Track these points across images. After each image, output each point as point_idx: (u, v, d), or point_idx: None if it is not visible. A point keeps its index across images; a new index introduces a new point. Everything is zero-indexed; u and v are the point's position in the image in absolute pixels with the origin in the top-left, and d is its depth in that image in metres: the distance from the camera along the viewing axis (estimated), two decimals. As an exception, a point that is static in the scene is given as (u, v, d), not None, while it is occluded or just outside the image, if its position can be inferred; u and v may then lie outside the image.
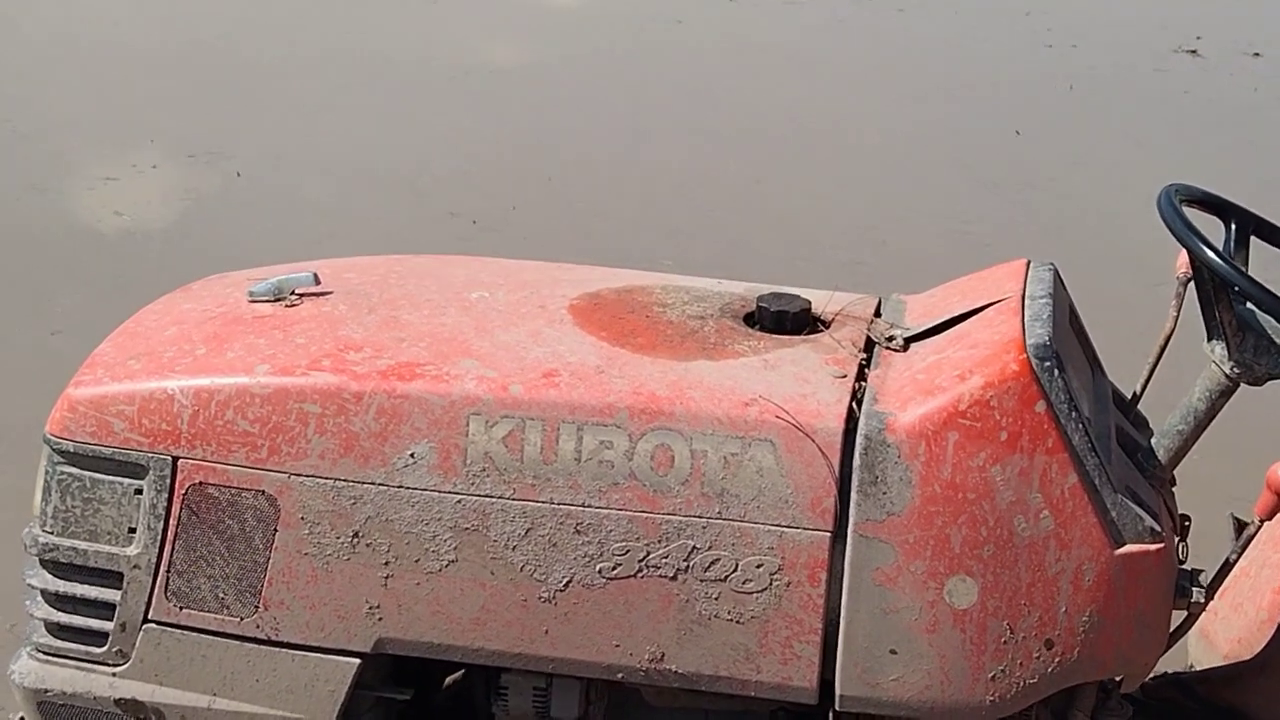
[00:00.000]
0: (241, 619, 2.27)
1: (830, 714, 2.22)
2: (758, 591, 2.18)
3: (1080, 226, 6.57)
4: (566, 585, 2.21)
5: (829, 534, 2.15)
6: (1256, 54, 9.29)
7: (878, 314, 2.53)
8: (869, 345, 2.39)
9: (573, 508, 2.20)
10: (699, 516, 2.18)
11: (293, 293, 2.52)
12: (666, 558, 2.19)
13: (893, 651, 2.16)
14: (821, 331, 2.44)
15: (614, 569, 2.20)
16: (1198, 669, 2.71)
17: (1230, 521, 2.89)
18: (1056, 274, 2.44)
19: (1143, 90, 8.72)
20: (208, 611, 2.28)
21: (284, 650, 2.28)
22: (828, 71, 8.91)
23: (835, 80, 8.76)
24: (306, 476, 2.23)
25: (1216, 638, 2.78)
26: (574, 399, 2.22)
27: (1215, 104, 8.52)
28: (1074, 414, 2.14)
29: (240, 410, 2.25)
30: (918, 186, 7.26)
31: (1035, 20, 9.96)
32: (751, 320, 2.47)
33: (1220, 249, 2.29)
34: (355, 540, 2.23)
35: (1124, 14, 10.19)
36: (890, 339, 2.40)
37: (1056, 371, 2.15)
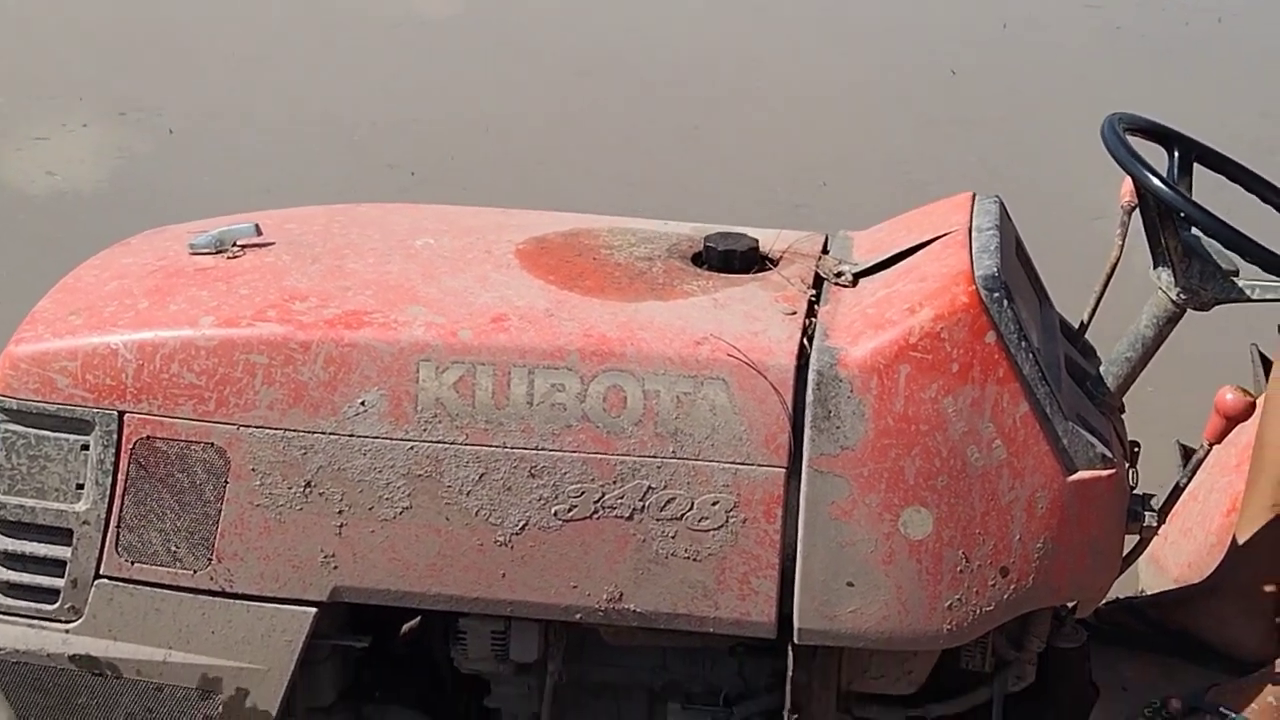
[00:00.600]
0: (195, 572, 2.26)
1: (789, 648, 2.23)
2: (714, 529, 2.18)
3: (1019, 163, 6.60)
4: (522, 529, 2.20)
5: (784, 470, 2.16)
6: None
7: (825, 251, 2.53)
8: (818, 282, 2.39)
9: (526, 451, 2.19)
10: (653, 456, 2.18)
11: (234, 244, 2.49)
12: (622, 498, 2.19)
13: (850, 584, 2.17)
14: (770, 270, 2.44)
15: (569, 511, 2.20)
16: (1148, 594, 2.75)
17: (1177, 449, 2.93)
18: (1002, 206, 2.45)
19: (1075, 26, 8.74)
20: (160, 565, 2.26)
21: (239, 601, 2.26)
22: (763, 15, 8.87)
23: (771, 23, 8.73)
24: (256, 428, 2.21)
25: (1167, 563, 2.82)
26: (524, 343, 2.21)
27: (1148, 39, 8.56)
28: (1024, 344, 2.15)
29: (186, 363, 2.23)
30: (856, 128, 7.26)
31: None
32: (699, 260, 2.47)
33: (1165, 176, 2.30)
34: (308, 490, 2.22)
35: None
36: (839, 275, 2.40)
37: (1005, 302, 2.16)
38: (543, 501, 2.19)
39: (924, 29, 8.81)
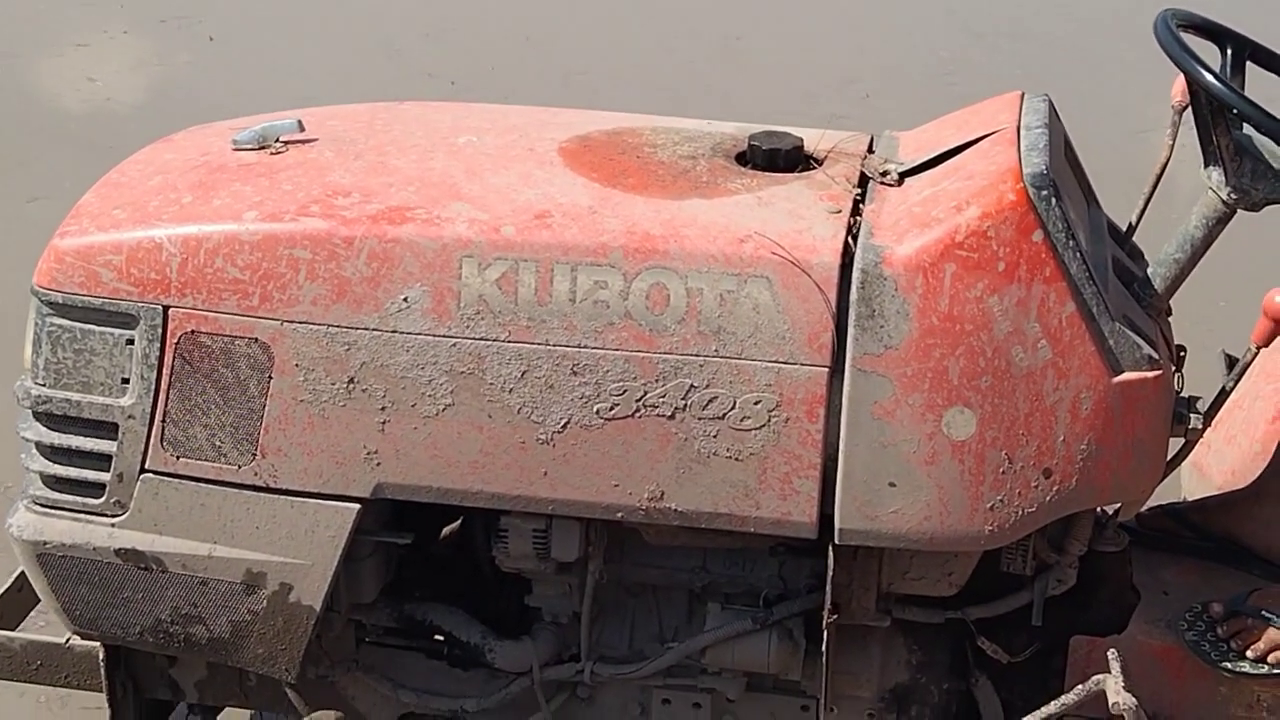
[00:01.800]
0: (239, 467, 2.27)
1: (830, 548, 2.23)
2: (756, 428, 2.17)
3: (1067, 77, 6.51)
4: (564, 426, 2.20)
5: (827, 369, 2.15)
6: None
7: (871, 150, 2.51)
8: (863, 181, 2.37)
9: (569, 349, 2.18)
10: (696, 355, 2.17)
11: (278, 140, 2.48)
12: (664, 397, 2.18)
13: (891, 484, 2.16)
14: (815, 169, 2.41)
15: (611, 409, 2.19)
16: (1192, 500, 2.73)
17: (1222, 358, 2.90)
18: (1051, 105, 2.41)
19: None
20: (205, 460, 2.28)
21: (283, 497, 2.27)
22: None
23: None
24: (299, 323, 2.21)
25: (1210, 470, 2.80)
26: (567, 239, 2.20)
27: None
28: (1071, 243, 2.13)
29: (230, 257, 2.23)
30: (900, 38, 7.19)
31: None
32: (743, 159, 2.44)
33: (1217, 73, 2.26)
34: (351, 386, 2.22)
35: None
36: (885, 174, 2.37)
37: (1054, 201, 2.13)
38: (584, 400, 2.19)
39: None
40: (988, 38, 7.15)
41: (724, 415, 2.18)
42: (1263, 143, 2.19)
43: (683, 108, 6.05)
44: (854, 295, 2.14)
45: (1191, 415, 2.25)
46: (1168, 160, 2.45)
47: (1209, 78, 2.13)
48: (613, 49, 6.99)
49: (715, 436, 2.18)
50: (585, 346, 2.18)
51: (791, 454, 2.18)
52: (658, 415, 2.19)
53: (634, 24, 7.30)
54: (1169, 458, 2.30)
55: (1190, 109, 2.24)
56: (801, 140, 2.46)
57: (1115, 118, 5.88)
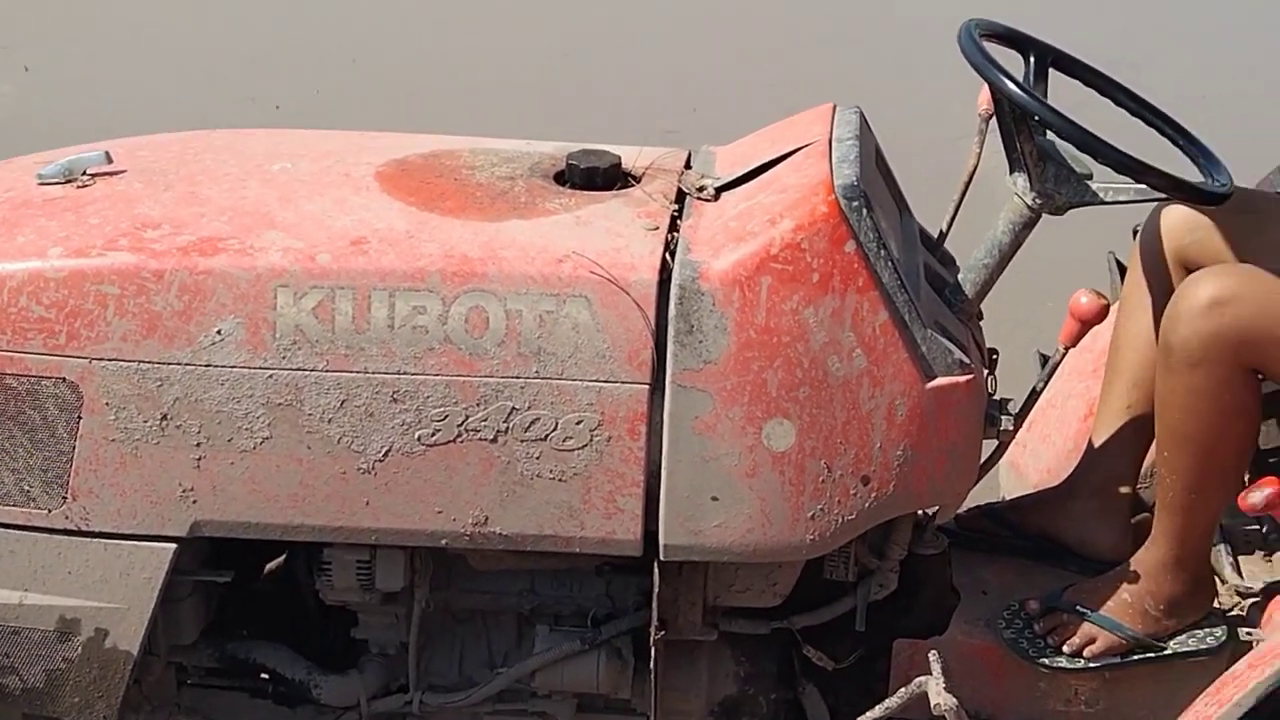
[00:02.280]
0: (49, 511, 2.21)
1: (655, 565, 2.23)
2: (579, 448, 2.17)
3: (887, 83, 6.63)
4: (385, 455, 2.18)
5: (647, 386, 2.16)
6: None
7: (688, 166, 2.52)
8: (680, 197, 2.38)
9: (388, 376, 2.16)
10: (517, 377, 2.16)
11: (84, 173, 2.42)
12: (486, 420, 2.17)
13: (714, 498, 2.17)
14: (633, 186, 2.42)
15: (433, 435, 2.18)
16: (1008, 499, 2.79)
17: (1036, 358, 2.97)
18: (862, 117, 2.45)
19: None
20: (13, 505, 2.22)
21: (96, 540, 2.22)
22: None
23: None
24: (109, 360, 2.17)
25: (1026, 469, 2.86)
26: (384, 265, 2.18)
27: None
28: (883, 253, 2.16)
29: (34, 295, 2.17)
30: (726, 50, 7.25)
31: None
32: (562, 179, 2.45)
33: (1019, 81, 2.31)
34: (164, 423, 2.18)
35: None
36: (701, 189, 2.39)
37: (865, 211, 2.16)
38: (405, 426, 2.17)
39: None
40: (809, 47, 7.24)
41: (546, 436, 2.17)
42: (1065, 148, 2.24)
43: (511, 126, 5.99)
44: (672, 311, 2.15)
45: (1003, 417, 2.30)
46: (975, 167, 2.50)
47: (1010, 86, 2.17)
48: (440, 69, 6.95)
49: (538, 458, 2.18)
50: (405, 373, 2.16)
51: (615, 472, 2.18)
52: (480, 439, 2.18)
53: (461, 44, 7.27)
54: (983, 459, 2.34)
55: (995, 115, 2.28)
56: (619, 158, 2.46)
57: (931, 124, 5.99)
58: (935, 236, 2.56)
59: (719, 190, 2.38)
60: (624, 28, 7.49)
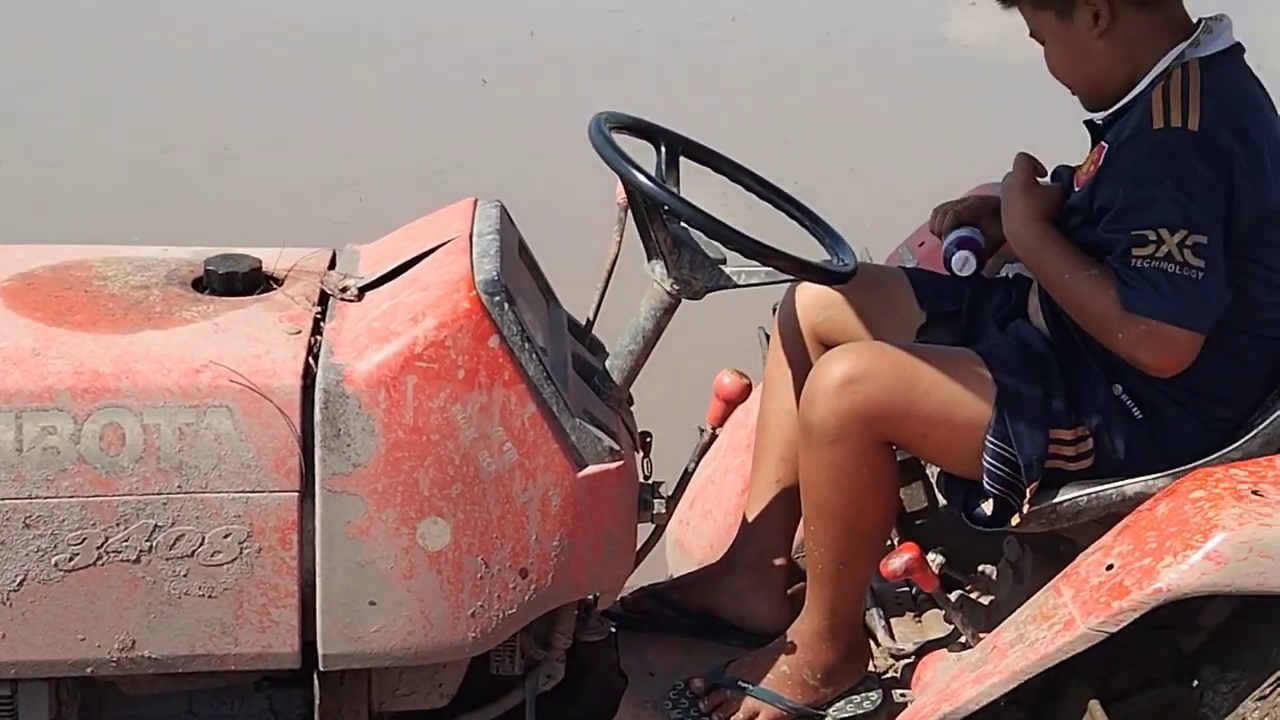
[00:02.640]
0: None
1: (315, 675, 2.18)
2: (228, 562, 2.11)
3: (546, 168, 6.70)
4: (21, 584, 2.08)
5: (297, 493, 2.12)
6: (702, -6, 9.74)
7: (332, 266, 2.49)
8: (323, 298, 2.35)
9: (19, 501, 2.07)
10: (158, 493, 2.10)
11: None
12: (127, 540, 2.09)
13: (372, 603, 2.14)
14: (274, 290, 2.38)
15: (71, 560, 2.09)
16: (673, 578, 2.83)
17: (699, 433, 3.03)
18: (503, 210, 2.47)
19: (600, 30, 8.97)
20: None
21: None
22: (286, 26, 8.73)
23: (296, 34, 8.60)
24: None
25: (690, 546, 2.91)
26: (9, 386, 2.09)
27: (668, 39, 8.87)
28: (528, 345, 2.18)
29: None
30: (389, 138, 7.23)
31: (492, -32, 10.09)
32: (200, 285, 2.39)
33: (653, 172, 2.37)
34: None
35: (577, -42, 10.46)
36: (344, 290, 2.37)
37: (507, 305, 2.18)
38: (41, 553, 2.08)
39: (454, 36, 8.85)
40: (474, 134, 7.29)
41: (193, 553, 2.11)
42: (698, 235, 2.30)
43: (171, 226, 5.86)
44: (318, 416, 2.12)
45: (655, 501, 2.33)
46: (617, 255, 2.55)
47: (639, 178, 2.22)
48: (91, 167, 6.73)
49: (186, 576, 2.11)
50: (37, 497, 2.07)
51: (268, 584, 2.13)
52: (122, 560, 2.10)
53: (114, 140, 7.05)
54: (643, 544, 2.37)
55: (630, 205, 2.33)
56: (259, 261, 2.42)
57: (599, 209, 6.07)
58: (583, 324, 2.59)
59: (362, 290, 2.36)
60: (286, 117, 7.39)
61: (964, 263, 2.54)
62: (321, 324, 2.28)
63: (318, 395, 2.12)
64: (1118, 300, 2.22)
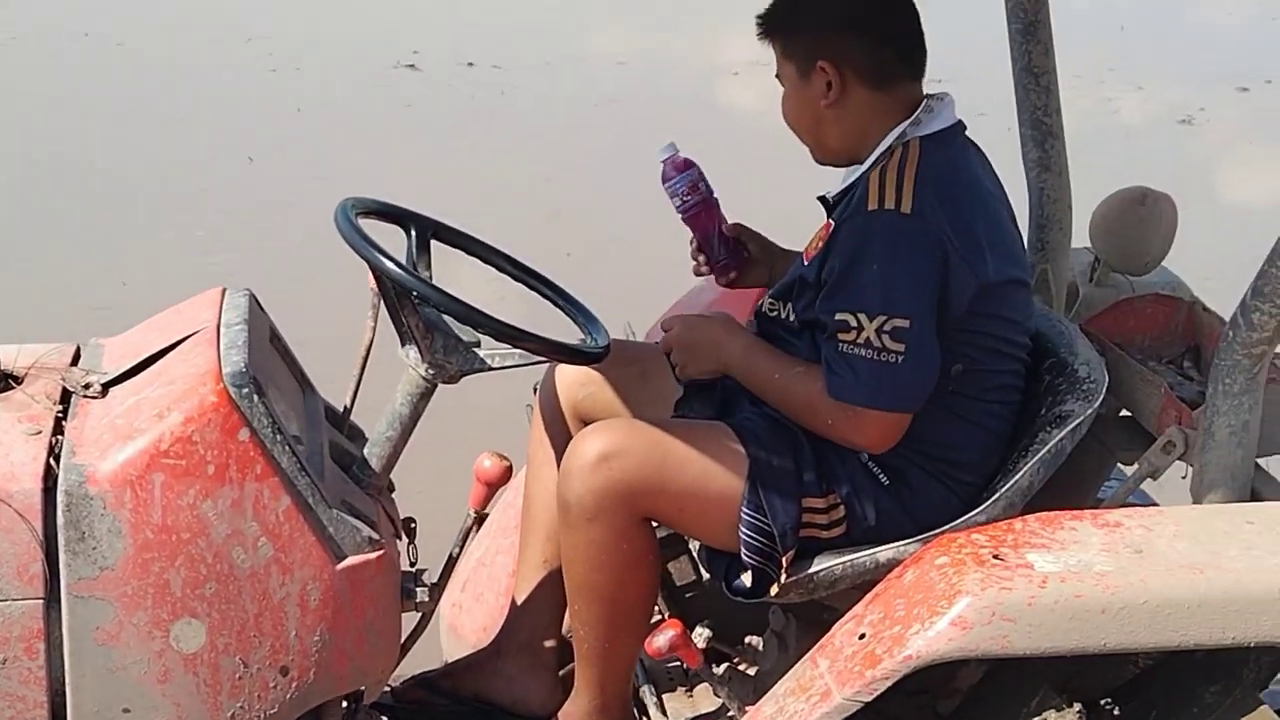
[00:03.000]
0: None
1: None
2: (-29, 675, 2.02)
3: (313, 248, 6.62)
4: None
5: (41, 601, 2.04)
6: (470, 64, 9.76)
7: (76, 361, 2.42)
8: (65, 396, 2.28)
9: None
10: (-107, 607, 2.00)
11: None
12: None
13: (126, 710, 2.08)
14: (13, 388, 2.29)
15: None
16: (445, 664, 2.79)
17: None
18: (253, 299, 2.42)
19: (368, 106, 8.93)
20: None
21: None
22: (48, 102, 8.51)
23: (57, 110, 8.39)
24: None
25: (464, 630, 2.88)
26: None
27: (437, 114, 8.87)
28: (280, 436, 2.13)
29: None
30: (155, 220, 7.07)
31: (257, 46, 9.96)
32: None
33: (404, 256, 2.36)
34: None
35: (344, 34, 10.40)
36: (87, 386, 2.29)
37: (256, 397, 2.13)
38: None
39: (220, 115, 8.72)
40: (237, 215, 7.17)
41: (-70, 670, 2.01)
42: (451, 320, 2.29)
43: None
44: (61, 519, 2.05)
45: (419, 589, 2.30)
46: (371, 341, 2.51)
47: (388, 264, 2.20)
48: None
49: (-74, 692, 2.01)
50: None
51: (15, 696, 2.05)
52: None
53: None
54: (409, 632, 2.34)
55: (380, 293, 2.31)
56: (-4, 359, 2.34)
57: (349, 296, 5.95)
58: (341, 411, 2.55)
59: (106, 386, 2.29)
60: (47, 202, 7.18)
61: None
62: (64, 423, 2.20)
63: (60, 497, 2.05)
64: (825, 388, 2.28)
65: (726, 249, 2.63)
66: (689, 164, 2.61)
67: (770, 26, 2.45)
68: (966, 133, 2.43)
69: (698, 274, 2.69)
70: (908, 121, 2.37)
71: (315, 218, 6.93)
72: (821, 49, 2.38)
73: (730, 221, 2.66)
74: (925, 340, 2.24)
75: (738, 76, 9.62)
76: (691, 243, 2.65)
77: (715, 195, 2.62)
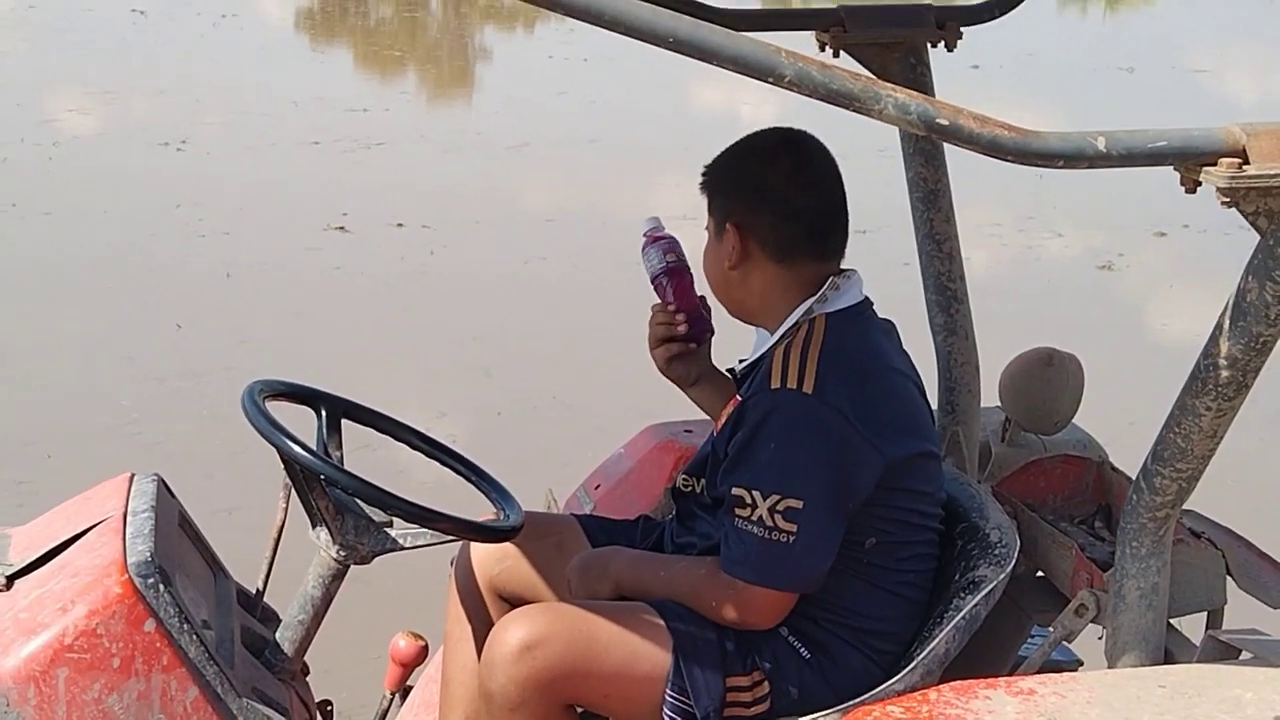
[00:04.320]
0: None
1: None
2: None
3: (243, 417, 6.60)
4: None
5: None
6: (399, 224, 9.80)
7: (-19, 552, 2.38)
8: (-32, 589, 2.24)
9: None
10: None
11: None
12: None
13: None
14: None
15: None
16: None
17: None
18: (161, 484, 2.41)
19: (297, 270, 8.93)
20: None
21: None
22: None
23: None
24: None
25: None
26: None
27: (367, 275, 8.89)
28: (187, 626, 2.11)
29: None
30: (81, 390, 7.01)
31: (186, 212, 9.96)
32: None
33: (315, 437, 2.35)
34: None
35: (273, 198, 10.41)
36: (-9, 579, 2.26)
37: (163, 586, 2.12)
38: None
39: (148, 282, 8.70)
40: (169, 380, 7.13)
41: None
42: (360, 501, 2.28)
43: None
44: (-32, 719, 2.00)
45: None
46: (283, 522, 2.50)
47: (294, 448, 2.20)
48: None
49: None
50: None
51: None
52: None
53: None
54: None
55: (287, 473, 2.30)
56: (-112, 551, 2.30)
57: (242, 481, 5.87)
58: (254, 593, 2.53)
59: (10, 578, 2.27)
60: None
61: None
62: (-34, 617, 2.17)
63: (-30, 697, 2.01)
64: (719, 562, 2.30)
65: (691, 320, 2.60)
66: (669, 236, 2.63)
67: (705, 178, 2.49)
68: (873, 308, 2.46)
69: (659, 339, 2.60)
70: (814, 298, 2.39)
71: (244, 386, 6.98)
72: (731, 212, 2.41)
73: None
74: (819, 521, 2.25)
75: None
76: (657, 307, 2.61)
77: (690, 271, 2.62)
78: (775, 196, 2.40)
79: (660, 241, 2.63)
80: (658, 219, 2.68)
